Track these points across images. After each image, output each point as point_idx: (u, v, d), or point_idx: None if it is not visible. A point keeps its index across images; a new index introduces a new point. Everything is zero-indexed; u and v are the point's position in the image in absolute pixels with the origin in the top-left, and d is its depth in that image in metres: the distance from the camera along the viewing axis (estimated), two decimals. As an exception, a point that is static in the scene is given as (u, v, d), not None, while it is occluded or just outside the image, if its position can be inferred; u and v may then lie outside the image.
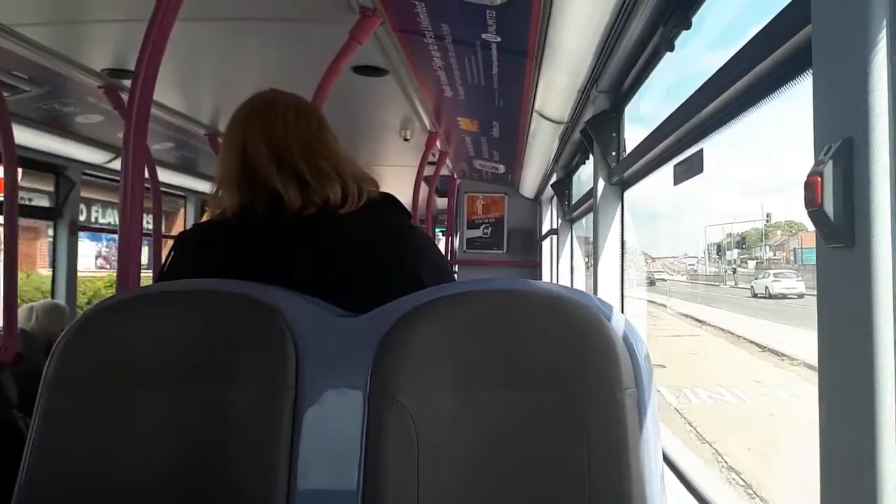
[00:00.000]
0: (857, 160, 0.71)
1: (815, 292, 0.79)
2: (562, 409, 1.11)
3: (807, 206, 0.75)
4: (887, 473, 0.68)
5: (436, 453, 1.08)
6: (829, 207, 0.72)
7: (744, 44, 1.13)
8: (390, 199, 1.41)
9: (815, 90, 0.81)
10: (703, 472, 1.97)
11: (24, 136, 3.18)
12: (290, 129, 1.35)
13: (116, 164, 3.97)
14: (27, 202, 4.37)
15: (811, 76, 0.84)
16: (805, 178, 0.76)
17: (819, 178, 0.73)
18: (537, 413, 1.11)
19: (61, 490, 1.13)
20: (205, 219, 1.52)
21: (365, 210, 1.34)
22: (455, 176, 5.84)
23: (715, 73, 1.30)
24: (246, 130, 1.35)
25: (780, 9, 0.97)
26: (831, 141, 0.73)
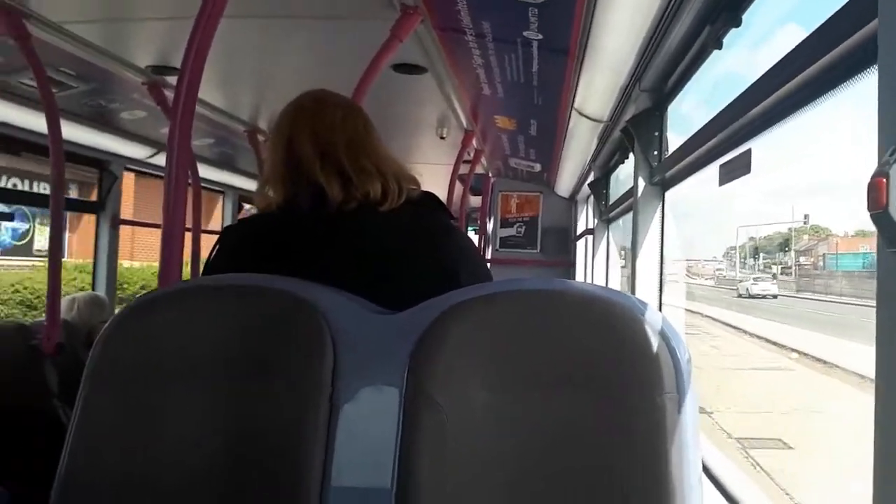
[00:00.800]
0: (926, 161, 0.68)
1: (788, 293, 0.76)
2: (600, 411, 1.09)
3: (870, 208, 0.72)
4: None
5: (470, 453, 1.08)
6: (893, 209, 0.69)
7: (801, 39, 1.09)
8: (431, 198, 1.42)
9: (880, 88, 0.78)
10: (742, 481, 1.94)
11: (71, 131, 3.25)
12: (337, 128, 1.37)
13: (158, 159, 4.05)
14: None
15: (875, 74, 0.81)
16: (869, 180, 0.73)
17: (885, 180, 0.70)
18: (574, 415, 1.10)
19: (100, 480, 1.15)
20: (243, 215, 1.55)
21: (405, 207, 1.35)
22: (490, 174, 5.82)
23: (768, 70, 1.26)
24: (293, 127, 1.38)
25: (841, 4, 0.93)
26: (898, 141, 0.71)
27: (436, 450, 1.07)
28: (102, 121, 3.47)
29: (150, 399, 1.18)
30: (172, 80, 2.73)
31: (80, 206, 4.24)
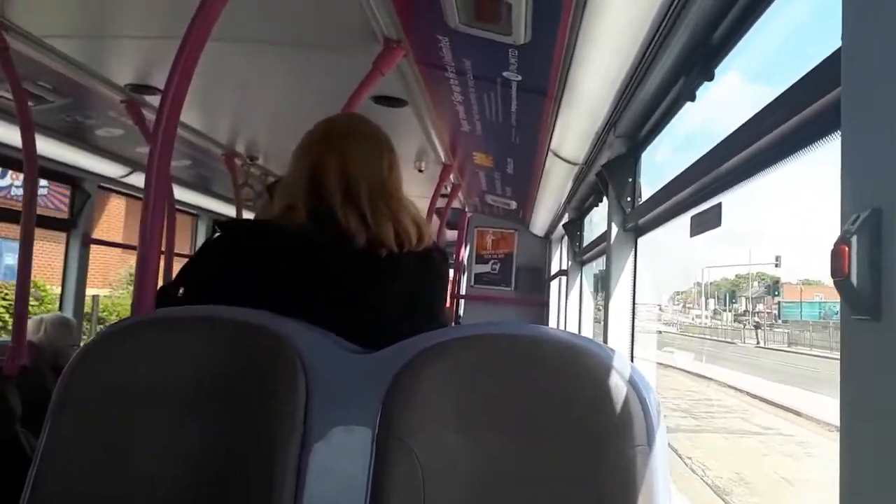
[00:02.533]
0: (885, 231, 0.69)
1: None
2: (570, 460, 1.09)
3: (833, 275, 0.73)
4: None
5: (442, 496, 1.06)
6: (855, 278, 0.70)
7: (770, 101, 1.12)
8: (439, 249, 1.45)
9: (843, 156, 0.79)
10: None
11: (45, 147, 3.20)
12: (365, 165, 1.36)
13: (133, 179, 4.00)
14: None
15: (838, 140, 0.82)
16: (832, 247, 0.74)
17: (846, 248, 0.71)
18: (545, 462, 1.09)
19: None
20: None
21: (421, 255, 1.37)
22: (466, 209, 5.84)
23: (738, 128, 1.29)
24: (322, 150, 1.37)
25: (808, 69, 0.96)
26: (860, 210, 0.72)
27: (407, 492, 1.05)
28: (77, 137, 3.43)
29: (119, 431, 1.15)
30: (151, 99, 2.72)
31: (51, 224, 4.15)
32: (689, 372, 20.34)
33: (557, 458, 1.09)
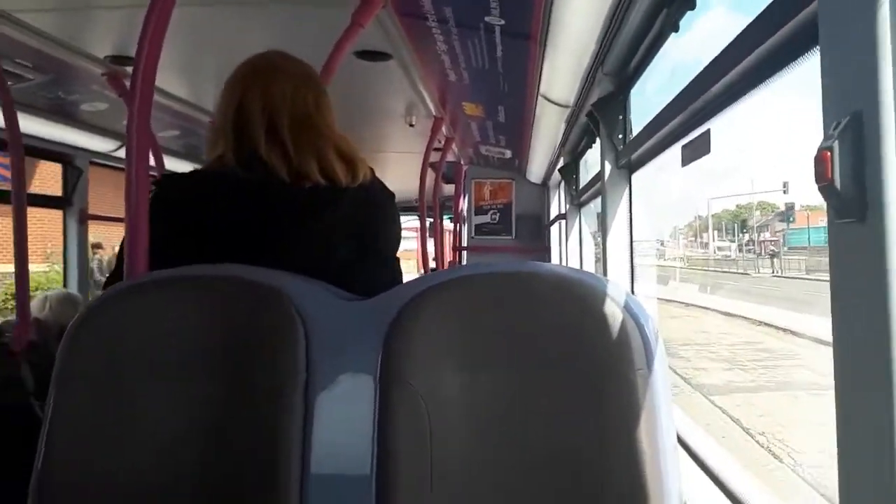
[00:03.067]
0: (867, 134, 0.70)
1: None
2: (574, 389, 1.11)
3: (817, 180, 0.74)
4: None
5: (448, 436, 1.09)
6: (839, 182, 0.71)
7: (748, 23, 1.11)
8: (380, 185, 1.46)
9: (822, 67, 0.79)
10: (718, 453, 1.97)
11: (31, 125, 3.18)
12: (287, 100, 1.36)
13: (123, 152, 3.97)
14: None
15: (818, 54, 0.82)
16: (815, 154, 0.75)
17: (829, 153, 0.71)
18: (549, 394, 1.11)
19: (77, 477, 1.15)
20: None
21: (354, 191, 1.36)
22: (462, 162, 5.82)
23: (720, 53, 1.28)
24: (245, 89, 1.38)
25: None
26: (840, 116, 0.72)
27: (413, 433, 1.08)
28: (63, 113, 3.40)
29: (122, 394, 1.17)
30: (132, 70, 2.69)
31: (45, 202, 4.14)
32: (713, 310, 18.28)
33: (560, 388, 1.11)
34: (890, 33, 0.68)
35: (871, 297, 0.70)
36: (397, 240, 1.50)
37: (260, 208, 1.33)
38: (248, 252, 1.29)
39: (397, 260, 1.49)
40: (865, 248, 0.70)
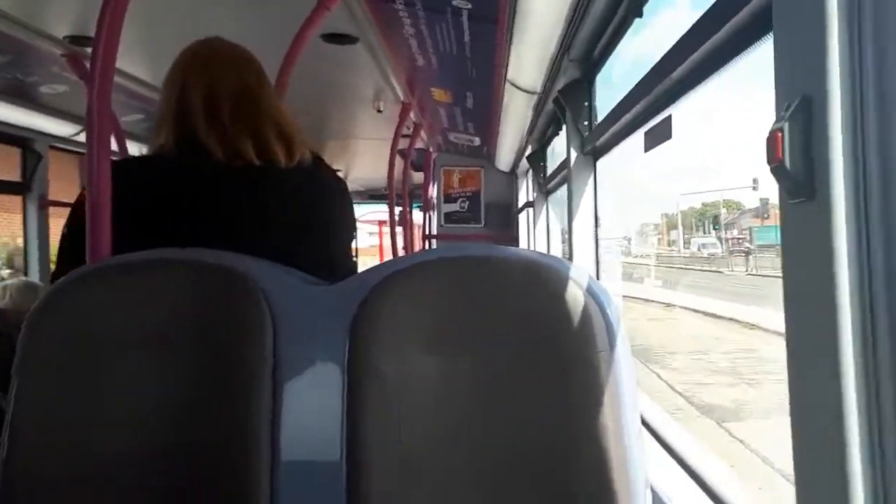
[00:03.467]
0: (815, 116, 0.72)
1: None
2: (540, 373, 1.12)
3: (769, 161, 0.76)
4: (851, 418, 0.70)
5: (417, 419, 1.09)
6: (788, 162, 0.73)
7: (706, 9, 1.13)
8: (320, 163, 1.46)
9: (775, 50, 0.82)
10: (681, 433, 2.01)
11: (-15, 107, 3.10)
12: (227, 83, 1.38)
13: (84, 137, 3.89)
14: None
15: (771, 39, 0.84)
16: (766, 135, 0.77)
17: (780, 134, 0.73)
18: (516, 377, 1.12)
19: (43, 467, 1.13)
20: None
21: (292, 171, 1.37)
22: (430, 149, 5.81)
23: (679, 39, 1.30)
24: (186, 76, 1.39)
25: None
26: (790, 99, 0.74)
27: (382, 418, 1.08)
28: (21, 95, 3.31)
29: (87, 380, 1.15)
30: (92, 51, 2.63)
31: (3, 188, 4.04)
32: (696, 311, 16.68)
33: (526, 371, 1.12)
34: (837, 18, 0.70)
35: (820, 273, 0.72)
36: (347, 225, 1.50)
37: (193, 189, 1.34)
38: (183, 233, 1.29)
39: (350, 247, 1.51)
40: (815, 225, 0.72)
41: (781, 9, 0.80)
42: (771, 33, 0.85)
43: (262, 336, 1.15)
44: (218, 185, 1.35)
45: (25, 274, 3.91)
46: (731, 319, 14.66)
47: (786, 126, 0.74)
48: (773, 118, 0.78)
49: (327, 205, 1.44)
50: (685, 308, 17.46)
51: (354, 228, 1.51)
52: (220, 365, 1.15)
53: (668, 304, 18.31)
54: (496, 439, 1.11)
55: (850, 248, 0.69)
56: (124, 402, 1.14)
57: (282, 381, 1.13)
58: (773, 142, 0.75)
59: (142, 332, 1.17)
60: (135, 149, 4.10)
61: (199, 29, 2.62)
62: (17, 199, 3.94)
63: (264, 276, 1.20)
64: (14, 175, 3.94)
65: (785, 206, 0.79)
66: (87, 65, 2.74)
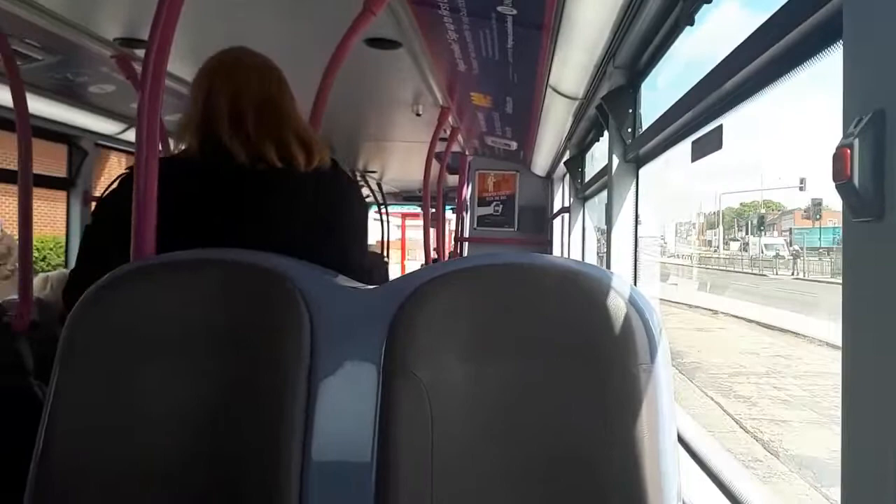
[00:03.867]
0: (888, 132, 0.69)
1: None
2: (577, 382, 1.11)
3: (835, 178, 0.74)
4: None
5: (450, 426, 1.09)
6: (858, 180, 0.71)
7: (769, 15, 1.10)
8: (339, 171, 1.54)
9: (844, 62, 0.79)
10: (718, 452, 1.98)
11: (37, 106, 3.17)
12: (251, 90, 1.47)
13: (129, 135, 3.97)
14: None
15: (840, 48, 0.82)
16: (833, 151, 0.74)
17: (849, 151, 0.71)
18: (552, 386, 1.12)
19: (77, 460, 1.15)
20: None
21: (312, 174, 1.45)
22: (466, 153, 5.81)
23: (737, 48, 1.27)
24: (211, 82, 1.49)
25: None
26: (862, 113, 0.72)
27: (415, 423, 1.08)
28: (70, 95, 3.39)
29: (126, 374, 1.17)
30: (141, 53, 2.68)
31: (50, 183, 4.14)
32: (748, 320, 14.67)
33: (563, 381, 1.11)
34: None
35: (884, 297, 0.70)
36: (362, 226, 1.58)
37: (218, 189, 1.41)
38: (207, 232, 1.36)
39: (364, 247, 1.58)
40: (882, 247, 0.70)
41: (854, 15, 0.77)
42: (840, 42, 0.82)
43: (300, 337, 1.16)
44: (241, 186, 1.42)
45: (66, 266, 4.00)
46: (791, 332, 12.97)
47: (855, 142, 0.71)
48: (828, 123, 0.75)
49: (345, 206, 1.51)
50: (734, 316, 15.69)
51: (365, 228, 1.60)
52: (256, 364, 1.16)
53: (714, 311, 16.63)
54: (528, 447, 1.10)
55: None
56: (161, 398, 1.16)
57: (317, 382, 1.14)
58: (840, 158, 0.73)
59: (182, 331, 1.19)
60: (178, 148, 4.17)
61: (246, 33, 2.66)
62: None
63: (303, 278, 1.21)
64: (60, 170, 4.05)
65: (849, 225, 0.77)
66: (135, 66, 2.80)
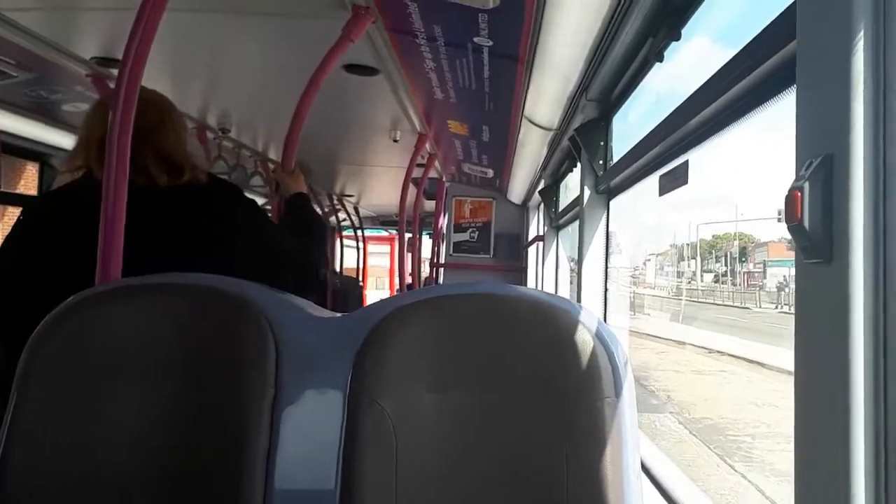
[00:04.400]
0: (836, 177, 0.71)
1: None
2: (542, 414, 1.12)
3: (787, 220, 0.76)
4: (857, 479, 0.69)
5: (415, 456, 1.09)
6: (807, 222, 0.73)
7: (730, 58, 1.14)
8: (218, 184, 1.70)
9: (798, 106, 0.81)
10: (683, 483, 1.98)
11: (8, 123, 3.14)
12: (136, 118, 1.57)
13: (102, 154, 3.94)
14: None
15: (794, 92, 0.84)
16: (786, 193, 0.76)
17: (799, 193, 0.73)
18: (518, 417, 1.12)
19: (36, 482, 1.13)
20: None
21: (188, 188, 1.60)
22: (444, 179, 5.84)
23: (700, 86, 1.30)
24: (104, 112, 1.63)
25: (766, 23, 0.97)
26: (812, 157, 0.74)
27: (380, 452, 1.08)
28: (43, 113, 3.36)
29: (86, 399, 1.15)
30: (117, 73, 2.67)
31: (18, 200, 4.08)
32: (751, 361, 13.07)
33: (528, 414, 1.12)
34: (863, 77, 0.70)
35: (833, 337, 0.71)
36: (266, 239, 1.65)
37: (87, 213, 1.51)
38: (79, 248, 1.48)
39: (284, 259, 1.65)
40: (831, 288, 0.71)
41: (806, 61, 0.80)
42: (794, 87, 0.84)
43: (265, 363, 1.15)
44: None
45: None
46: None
47: (806, 185, 0.73)
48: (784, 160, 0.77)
49: (220, 220, 1.60)
50: (736, 357, 13.74)
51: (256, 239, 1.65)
52: (220, 390, 1.15)
53: (709, 350, 14.79)
54: (492, 477, 1.11)
55: (866, 315, 0.68)
56: (122, 424, 1.15)
57: (281, 409, 1.14)
58: (791, 200, 0.75)
59: (144, 355, 1.18)
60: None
61: (224, 55, 2.68)
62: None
63: (270, 303, 1.21)
64: (31, 188, 3.99)
65: (801, 266, 0.78)
66: (111, 85, 2.79)
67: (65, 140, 3.74)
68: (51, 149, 3.76)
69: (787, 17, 0.90)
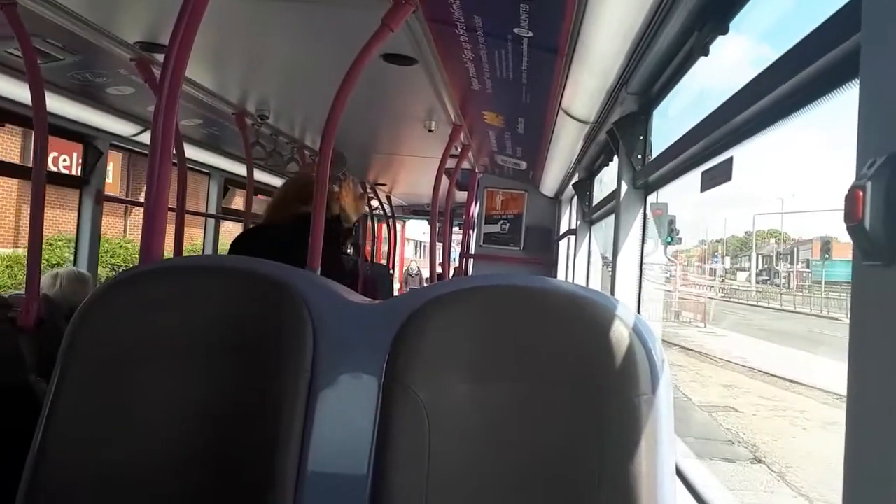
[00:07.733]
0: (902, 176, 0.69)
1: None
2: (576, 407, 1.11)
3: (846, 220, 0.73)
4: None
5: (447, 444, 1.09)
6: (869, 223, 0.70)
7: (786, 50, 1.10)
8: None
9: (861, 102, 0.78)
10: (716, 486, 1.96)
11: (55, 104, 3.20)
12: None
13: (144, 137, 4.00)
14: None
15: (857, 87, 0.82)
16: (846, 192, 0.74)
17: (861, 192, 0.71)
18: (551, 409, 1.11)
19: (74, 457, 1.15)
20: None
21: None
22: (476, 170, 5.82)
23: (752, 80, 1.27)
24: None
25: (827, 15, 0.95)
26: (876, 155, 0.71)
27: (413, 439, 1.08)
28: (88, 95, 3.43)
29: (127, 375, 1.17)
30: (161, 57, 2.70)
31: (63, 180, 4.17)
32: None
33: (562, 407, 1.11)
34: None
35: (892, 343, 0.69)
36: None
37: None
38: None
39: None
40: (891, 292, 0.69)
41: (871, 56, 0.77)
42: (857, 80, 0.82)
43: (302, 347, 1.16)
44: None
45: (75, 264, 4.01)
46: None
47: (868, 185, 0.71)
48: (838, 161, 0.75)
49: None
50: (828, 391, 9.31)
51: None
52: (257, 373, 1.16)
53: (791, 381, 10.05)
54: (523, 469, 1.10)
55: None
56: (159, 402, 1.16)
57: (316, 393, 1.14)
58: (852, 200, 0.72)
59: (184, 335, 1.19)
60: (191, 153, 4.20)
61: (264, 42, 2.70)
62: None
63: (308, 289, 1.21)
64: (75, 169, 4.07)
65: (859, 268, 0.76)
66: (154, 70, 2.83)
67: (108, 122, 3.81)
68: (95, 131, 3.84)
69: (851, 8, 0.87)
